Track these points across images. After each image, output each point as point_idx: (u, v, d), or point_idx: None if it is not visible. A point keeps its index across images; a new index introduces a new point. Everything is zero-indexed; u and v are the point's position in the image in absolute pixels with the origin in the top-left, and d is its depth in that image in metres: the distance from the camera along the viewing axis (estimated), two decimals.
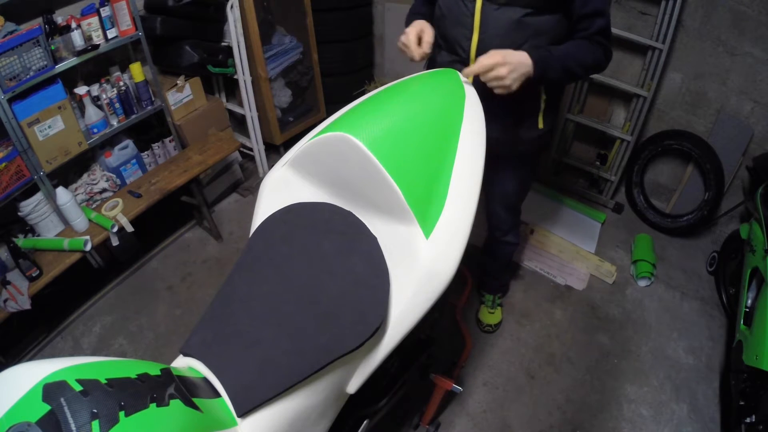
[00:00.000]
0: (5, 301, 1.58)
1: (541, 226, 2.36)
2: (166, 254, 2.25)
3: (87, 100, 1.82)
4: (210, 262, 2.21)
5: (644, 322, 2.01)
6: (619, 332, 1.95)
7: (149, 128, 2.19)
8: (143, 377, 0.59)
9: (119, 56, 2.01)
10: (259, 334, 0.77)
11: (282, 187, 0.97)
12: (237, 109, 2.56)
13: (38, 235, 1.81)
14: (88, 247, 1.75)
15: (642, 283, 2.16)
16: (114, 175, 2.02)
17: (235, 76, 2.37)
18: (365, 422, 1.04)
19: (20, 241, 1.73)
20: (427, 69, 1.29)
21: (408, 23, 1.21)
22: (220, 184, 2.53)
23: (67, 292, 1.96)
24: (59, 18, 1.70)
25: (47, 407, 0.50)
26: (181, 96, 2.19)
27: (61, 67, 1.67)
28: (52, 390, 0.51)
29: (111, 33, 1.80)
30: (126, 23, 1.83)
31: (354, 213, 0.91)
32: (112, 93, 1.88)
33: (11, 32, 1.52)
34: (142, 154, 2.13)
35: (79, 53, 1.71)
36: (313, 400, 0.77)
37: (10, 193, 1.64)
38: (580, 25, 1.11)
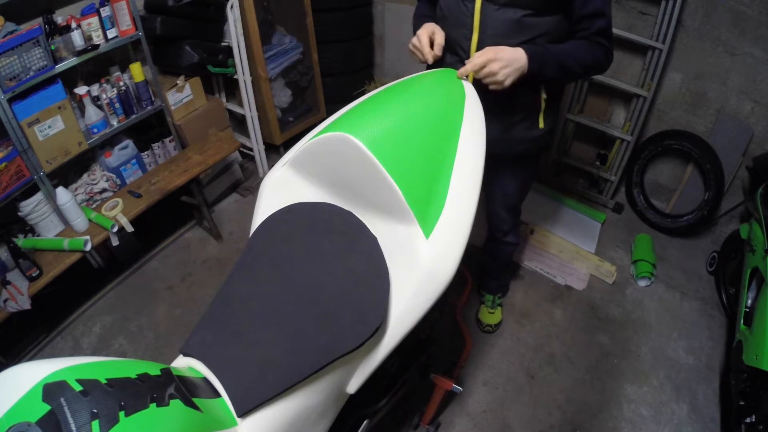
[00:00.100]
0: (5, 301, 1.58)
1: (541, 226, 2.36)
2: (166, 254, 2.25)
3: (87, 100, 1.82)
4: (210, 262, 2.21)
5: (644, 322, 2.01)
6: (619, 332, 1.95)
7: (149, 128, 2.19)
8: (143, 377, 0.59)
9: (119, 56, 2.01)
10: (259, 334, 0.77)
11: (282, 187, 0.97)
12: (237, 109, 2.56)
13: (38, 235, 1.81)
14: (88, 247, 1.75)
15: (642, 283, 2.16)
16: (114, 175, 2.02)
17: (235, 76, 2.37)
18: (365, 422, 1.04)
19: (20, 241, 1.73)
20: (428, 69, 1.29)
21: (416, 26, 1.21)
22: (220, 184, 2.53)
23: (67, 292, 1.96)
24: (59, 18, 1.70)
25: (47, 407, 0.50)
26: (181, 96, 2.19)
27: (61, 67, 1.67)
28: (52, 390, 0.51)
29: (111, 33, 1.80)
30: (126, 23, 1.83)
31: (354, 213, 0.91)
32: (112, 93, 1.88)
33: (11, 32, 1.52)
34: (142, 154, 2.13)
35: (79, 53, 1.71)
36: (313, 400, 0.77)
37: (10, 193, 1.64)
38: (580, 25, 1.11)
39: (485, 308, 1.91)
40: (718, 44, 2.07)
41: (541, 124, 1.27)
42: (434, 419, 1.54)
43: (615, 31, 2.17)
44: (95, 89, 1.87)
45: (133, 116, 1.98)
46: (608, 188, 2.54)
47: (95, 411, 0.51)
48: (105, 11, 1.75)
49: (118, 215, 1.85)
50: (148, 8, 2.04)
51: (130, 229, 1.87)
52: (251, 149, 2.62)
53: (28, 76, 1.57)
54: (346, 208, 0.92)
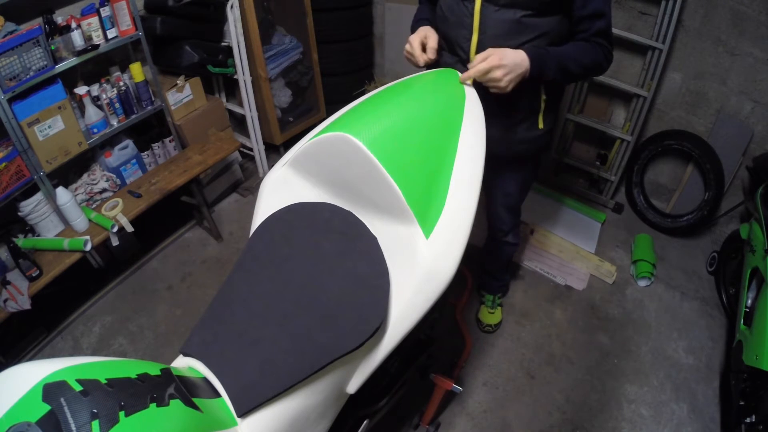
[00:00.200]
0: (5, 301, 1.58)
1: (541, 226, 2.36)
2: (166, 254, 2.25)
3: (87, 100, 1.82)
4: (210, 262, 2.21)
5: (644, 322, 2.01)
6: (619, 332, 1.96)
7: (149, 128, 2.19)
8: (143, 377, 0.59)
9: (119, 56, 2.01)
10: (259, 334, 0.77)
11: (282, 187, 0.97)
12: (237, 109, 2.56)
13: (38, 235, 1.81)
14: (88, 247, 1.75)
15: (642, 283, 2.16)
16: (114, 175, 2.02)
17: (235, 76, 2.37)
18: (365, 422, 1.04)
19: (20, 241, 1.73)
20: (428, 69, 1.29)
21: (413, 30, 1.22)
22: (220, 184, 2.53)
23: (67, 292, 1.96)
24: (59, 18, 1.70)
25: (47, 407, 0.50)
26: (181, 96, 2.19)
27: (61, 67, 1.67)
28: (52, 390, 0.51)
29: (111, 33, 1.80)
30: (126, 23, 1.83)
31: (354, 213, 0.91)
32: (112, 93, 1.88)
33: (11, 32, 1.52)
34: (142, 154, 2.13)
35: (79, 53, 1.71)
36: (313, 400, 0.77)
37: (10, 193, 1.64)
38: (580, 26, 1.11)
39: (485, 308, 1.91)
40: (718, 44, 2.07)
41: (541, 125, 1.27)
42: (434, 419, 1.54)
43: (615, 31, 2.17)
44: (95, 89, 1.87)
45: (133, 116, 1.98)
46: (608, 188, 2.54)
47: (95, 411, 0.51)
48: (105, 11, 1.75)
49: (118, 215, 1.85)
50: (148, 8, 2.04)
51: (130, 229, 1.87)
52: (251, 149, 2.62)
53: (28, 76, 1.57)
54: (346, 208, 0.92)
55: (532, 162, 1.45)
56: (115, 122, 1.93)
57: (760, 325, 1.50)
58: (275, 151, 2.75)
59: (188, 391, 0.63)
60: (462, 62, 1.20)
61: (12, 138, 1.60)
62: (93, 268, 2.10)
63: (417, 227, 0.86)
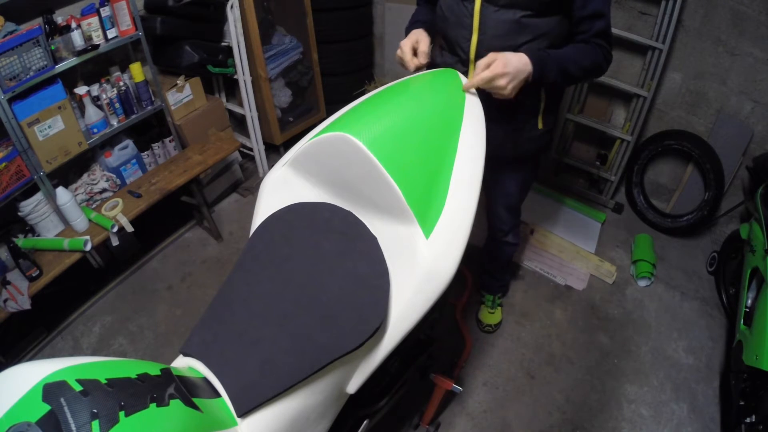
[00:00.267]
0: (5, 301, 1.58)
1: (541, 226, 2.36)
2: (166, 254, 2.25)
3: (87, 100, 1.82)
4: (210, 262, 2.21)
5: (644, 322, 2.01)
6: (619, 332, 1.96)
7: (149, 128, 2.19)
8: (143, 377, 0.59)
9: (119, 56, 2.01)
10: (259, 334, 0.77)
11: (282, 187, 0.97)
12: (237, 109, 2.56)
13: (38, 235, 1.81)
14: (88, 247, 1.75)
15: (642, 283, 2.16)
16: (114, 175, 2.02)
17: (235, 76, 2.37)
18: (365, 422, 1.04)
19: (20, 241, 1.73)
20: (428, 69, 1.29)
21: (407, 32, 1.21)
22: (220, 184, 2.53)
23: (67, 292, 1.96)
24: (59, 18, 1.70)
25: (47, 407, 0.50)
26: (181, 96, 2.19)
27: (61, 67, 1.67)
28: (52, 390, 0.51)
29: (111, 33, 1.80)
30: (126, 23, 1.83)
31: (354, 213, 0.91)
32: (112, 93, 1.88)
33: (11, 32, 1.52)
34: (142, 154, 2.13)
35: (79, 53, 1.71)
36: (313, 400, 0.77)
37: (10, 193, 1.64)
38: (579, 27, 1.10)
39: (485, 308, 1.91)
40: (718, 44, 2.07)
41: (541, 125, 1.27)
42: (434, 419, 1.54)
43: (615, 31, 2.18)
44: (95, 89, 1.87)
45: (133, 116, 1.98)
46: (608, 188, 2.54)
47: (95, 411, 0.51)
48: (105, 11, 1.75)
49: (118, 215, 1.85)
50: (148, 8, 2.04)
51: (130, 229, 1.87)
52: (251, 149, 2.62)
53: (28, 76, 1.57)
54: (346, 208, 0.92)
55: (532, 162, 1.45)
56: (115, 122, 1.93)
57: (760, 325, 1.50)
58: (275, 151, 2.75)
59: (188, 391, 0.63)
60: (462, 62, 1.20)
61: (12, 138, 1.60)
62: (93, 268, 2.10)
63: (417, 227, 0.86)
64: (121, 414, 0.52)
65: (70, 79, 1.82)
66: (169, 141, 2.21)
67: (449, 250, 0.85)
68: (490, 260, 1.80)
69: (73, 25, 1.68)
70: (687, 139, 2.27)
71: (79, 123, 1.79)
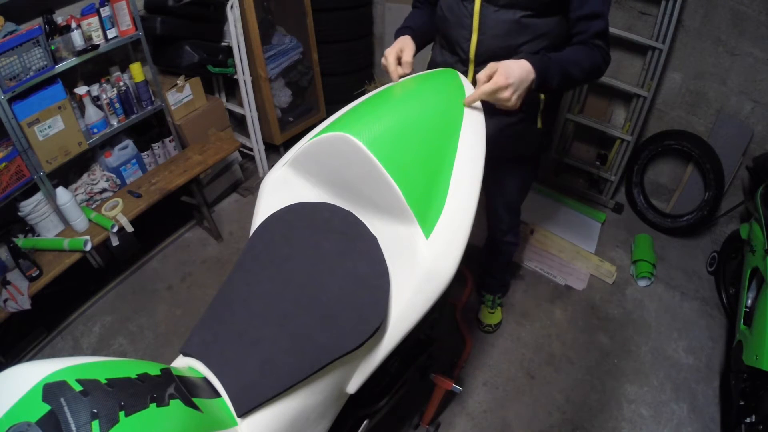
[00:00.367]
0: (5, 301, 1.58)
1: (541, 226, 2.36)
2: (166, 254, 2.25)
3: (87, 100, 1.82)
4: (210, 262, 2.21)
5: (644, 322, 2.01)
6: (619, 332, 1.96)
7: (149, 128, 2.19)
8: (143, 377, 0.59)
9: (119, 56, 2.01)
10: (259, 334, 0.77)
11: (282, 187, 0.97)
12: (237, 109, 2.56)
13: (38, 235, 1.81)
14: (88, 247, 1.75)
15: (642, 283, 2.16)
16: (114, 175, 2.02)
17: (235, 76, 2.37)
18: (365, 422, 1.04)
19: (20, 241, 1.73)
20: (428, 69, 1.29)
21: (396, 36, 1.19)
22: (220, 184, 2.53)
23: (67, 292, 1.96)
24: (59, 18, 1.70)
25: (47, 407, 0.50)
26: (181, 96, 2.19)
27: (61, 67, 1.67)
28: (52, 390, 0.51)
29: (111, 33, 1.80)
30: (126, 23, 1.83)
31: (354, 213, 0.91)
32: (112, 93, 1.88)
33: (11, 32, 1.52)
34: (142, 154, 2.13)
35: (79, 53, 1.71)
36: (313, 400, 0.77)
37: (10, 193, 1.64)
38: (577, 27, 1.09)
39: (485, 308, 1.91)
40: (718, 44, 2.07)
41: (540, 124, 1.26)
42: (434, 419, 1.54)
43: (615, 31, 2.18)
44: (95, 89, 1.87)
45: (133, 116, 1.98)
46: (608, 188, 2.54)
47: (95, 411, 0.51)
48: (105, 11, 1.75)
49: (118, 215, 1.85)
50: (148, 8, 2.04)
51: (130, 229, 1.87)
52: (251, 149, 2.62)
53: (28, 76, 1.57)
54: (346, 208, 0.92)
55: (531, 162, 1.45)
56: (115, 122, 1.93)
57: (760, 325, 1.50)
58: (275, 151, 2.75)
59: (188, 391, 0.63)
60: (462, 62, 1.20)
61: (12, 138, 1.60)
62: (93, 268, 2.10)
63: (417, 227, 0.86)
64: (121, 414, 0.52)
65: (70, 79, 1.82)
66: (169, 141, 2.21)
67: (449, 250, 0.85)
68: (490, 260, 1.80)
69: (73, 25, 1.68)
70: (687, 139, 2.27)
71: (79, 123, 1.79)
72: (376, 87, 1.52)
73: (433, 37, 1.31)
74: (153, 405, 0.56)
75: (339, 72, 2.79)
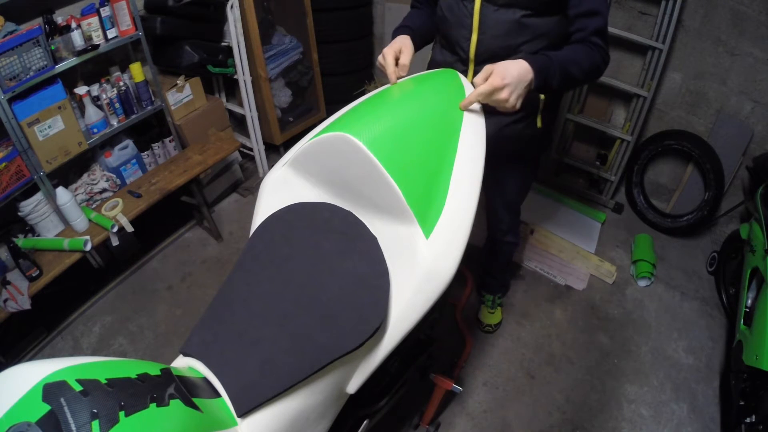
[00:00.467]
0: (5, 301, 1.58)
1: (541, 226, 2.36)
2: (166, 254, 2.25)
3: (87, 100, 1.82)
4: (210, 262, 2.21)
5: (644, 322, 2.01)
6: (619, 332, 1.96)
7: (149, 128, 2.19)
8: (143, 377, 0.59)
9: (119, 56, 2.01)
10: (259, 334, 0.77)
11: (282, 187, 0.97)
12: (237, 109, 2.56)
13: (38, 235, 1.81)
14: (88, 247, 1.75)
15: (642, 283, 2.16)
16: (114, 175, 2.02)
17: (235, 76, 2.37)
18: (365, 422, 1.04)
19: (20, 241, 1.73)
20: (428, 69, 1.29)
21: (394, 36, 1.18)
22: (220, 184, 2.53)
23: (67, 292, 1.96)
24: (59, 18, 1.70)
25: (47, 407, 0.50)
26: (181, 96, 2.19)
27: (61, 67, 1.67)
28: (52, 390, 0.51)
29: (111, 33, 1.80)
30: (126, 23, 1.83)
31: (354, 213, 0.91)
32: (112, 93, 1.88)
33: (11, 32, 1.52)
34: (142, 154, 2.13)
35: (79, 53, 1.71)
36: (313, 400, 0.77)
37: (10, 193, 1.64)
38: (576, 25, 1.08)
39: (485, 308, 1.91)
40: (718, 44, 2.07)
41: (539, 123, 1.26)
42: (434, 419, 1.54)
43: (615, 31, 2.18)
44: (95, 89, 1.87)
45: (133, 116, 1.98)
46: (608, 188, 2.54)
47: (95, 411, 0.51)
48: (105, 11, 1.75)
49: (118, 215, 1.85)
50: (148, 8, 2.04)
51: (130, 229, 1.87)
52: (251, 149, 2.62)
53: (28, 76, 1.57)
54: (346, 208, 0.92)
55: (531, 161, 1.45)
56: (115, 122, 1.93)
57: (760, 325, 1.50)
58: (275, 151, 2.75)
59: (188, 391, 0.63)
60: (462, 61, 1.20)
61: (12, 138, 1.60)
62: (93, 268, 2.10)
63: (417, 227, 0.86)
64: (121, 414, 0.52)
65: (70, 79, 1.82)
66: (169, 141, 2.21)
67: (449, 250, 0.85)
68: (490, 260, 1.80)
69: (73, 25, 1.68)
70: (687, 139, 2.27)
71: (79, 123, 1.79)
72: (376, 87, 1.52)
73: (431, 37, 1.31)
74: (153, 405, 0.56)
75: (339, 72, 2.79)
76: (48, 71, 1.63)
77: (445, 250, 0.85)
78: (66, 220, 1.80)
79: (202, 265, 2.19)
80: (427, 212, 0.86)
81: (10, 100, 1.56)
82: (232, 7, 2.14)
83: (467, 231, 0.88)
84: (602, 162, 2.56)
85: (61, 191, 1.74)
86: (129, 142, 2.08)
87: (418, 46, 1.19)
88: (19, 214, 1.74)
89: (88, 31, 1.74)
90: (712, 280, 2.19)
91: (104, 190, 1.98)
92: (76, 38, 1.70)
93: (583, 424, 1.65)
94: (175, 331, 1.91)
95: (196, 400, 0.63)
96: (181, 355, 0.77)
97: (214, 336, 0.77)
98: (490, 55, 1.14)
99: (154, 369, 0.62)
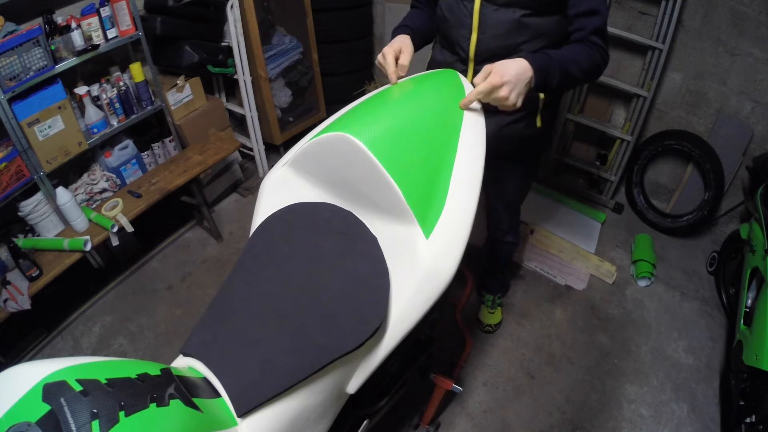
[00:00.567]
0: (5, 301, 1.58)
1: (541, 226, 2.36)
2: (166, 254, 2.25)
3: (87, 100, 1.82)
4: (210, 262, 2.21)
5: (644, 322, 2.01)
6: (619, 332, 1.96)
7: (149, 128, 2.19)
8: (143, 377, 0.59)
9: (119, 56, 2.01)
10: (259, 333, 0.77)
11: (282, 187, 0.97)
12: (237, 109, 2.56)
13: (38, 235, 1.81)
14: (88, 247, 1.75)
15: (642, 283, 2.16)
16: (114, 175, 2.02)
17: (235, 76, 2.37)
18: (365, 422, 1.04)
19: (20, 241, 1.73)
20: (428, 69, 1.29)
21: (393, 35, 1.18)
22: (220, 184, 2.53)
23: (67, 292, 1.96)
24: (59, 18, 1.70)
25: (47, 407, 0.50)
26: (181, 96, 2.19)
27: (61, 67, 1.67)
28: (52, 390, 0.51)
29: (111, 33, 1.80)
30: (126, 23, 1.83)
31: (354, 213, 0.91)
32: (112, 93, 1.88)
33: (11, 32, 1.52)
34: (142, 154, 2.13)
35: (79, 53, 1.71)
36: (313, 400, 0.77)
37: (10, 193, 1.64)
38: (575, 24, 1.08)
39: (485, 308, 1.91)
40: (718, 44, 2.07)
41: (539, 123, 1.26)
42: (434, 419, 1.54)
43: (615, 31, 2.18)
44: (95, 89, 1.87)
45: (133, 116, 1.98)
46: (608, 188, 2.54)
47: (95, 411, 0.51)
48: (105, 11, 1.75)
49: (118, 215, 1.85)
50: (148, 8, 2.04)
51: (130, 229, 1.87)
52: (251, 149, 2.62)
53: (28, 76, 1.57)
54: (346, 208, 0.92)
55: (531, 161, 1.45)
56: (115, 122, 1.93)
57: (760, 325, 1.50)
58: (275, 151, 2.75)
59: (188, 391, 0.63)
60: (461, 61, 1.20)
61: (12, 138, 1.60)
62: (93, 268, 2.10)
63: (417, 227, 0.86)
64: (121, 414, 0.52)
65: (70, 79, 1.82)
66: (169, 141, 2.21)
67: (449, 250, 0.85)
68: (490, 260, 1.80)
69: (73, 25, 1.68)
70: (687, 139, 2.27)
71: (79, 123, 1.79)
72: (376, 87, 1.52)
73: (431, 37, 1.31)
74: (153, 405, 0.56)
75: (339, 72, 2.79)
76: (48, 71, 1.63)
77: (445, 250, 0.85)
78: (66, 220, 1.81)
79: (202, 265, 2.19)
80: (427, 212, 0.86)
81: (10, 100, 1.56)
82: (232, 7, 2.15)
83: (467, 231, 0.88)
84: (602, 162, 2.56)
85: (61, 191, 1.74)
86: (129, 142, 2.08)
87: (418, 46, 1.19)
88: (19, 214, 1.74)
89: (88, 31, 1.74)
90: (712, 280, 2.19)
91: (104, 190, 1.98)
92: (76, 38, 1.70)
93: (583, 424, 1.65)
94: (175, 331, 1.91)
95: (196, 400, 0.63)
96: (181, 355, 0.77)
97: (214, 336, 0.77)
98: (490, 54, 1.14)
99: (154, 369, 0.62)
